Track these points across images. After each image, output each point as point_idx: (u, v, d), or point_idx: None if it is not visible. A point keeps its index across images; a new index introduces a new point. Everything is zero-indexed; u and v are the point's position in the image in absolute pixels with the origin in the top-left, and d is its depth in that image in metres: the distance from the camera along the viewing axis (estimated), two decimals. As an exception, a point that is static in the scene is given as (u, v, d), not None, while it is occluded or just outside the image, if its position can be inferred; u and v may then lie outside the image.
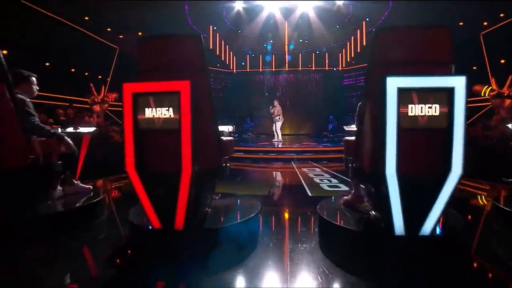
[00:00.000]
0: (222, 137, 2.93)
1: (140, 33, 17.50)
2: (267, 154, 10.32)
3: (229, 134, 4.00)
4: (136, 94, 2.49)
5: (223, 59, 19.63)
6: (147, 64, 2.63)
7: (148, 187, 2.59)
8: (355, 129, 3.68)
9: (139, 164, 2.55)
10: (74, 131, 4.36)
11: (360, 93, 18.99)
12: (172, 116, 2.47)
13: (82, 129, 4.38)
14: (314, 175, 6.97)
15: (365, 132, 2.64)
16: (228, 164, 3.11)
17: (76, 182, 4.25)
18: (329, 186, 5.78)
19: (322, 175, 6.92)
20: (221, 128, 4.08)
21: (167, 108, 2.47)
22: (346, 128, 3.78)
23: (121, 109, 2.36)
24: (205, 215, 2.93)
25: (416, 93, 2.26)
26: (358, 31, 17.88)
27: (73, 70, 14.73)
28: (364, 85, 3.57)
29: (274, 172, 8.36)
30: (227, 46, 19.72)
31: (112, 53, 16.06)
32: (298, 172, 7.34)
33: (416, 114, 2.27)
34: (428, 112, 2.26)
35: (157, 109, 2.49)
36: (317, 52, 20.22)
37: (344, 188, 5.52)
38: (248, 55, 20.91)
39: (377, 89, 2.36)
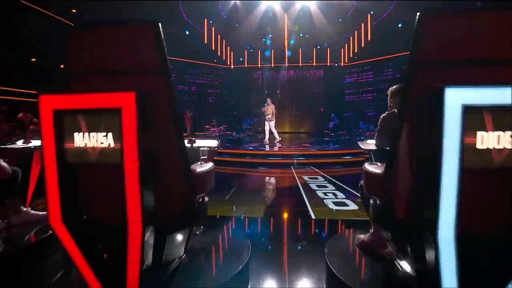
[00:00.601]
0: (197, 167, 2.09)
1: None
2: (265, 159, 9.47)
3: (213, 152, 3.15)
4: (59, 112, 1.64)
5: (219, 54, 18.73)
6: (78, 65, 1.78)
7: (85, 248, 1.75)
8: (373, 147, 2.83)
9: (68, 215, 1.72)
10: (24, 145, 3.51)
11: (369, 94, 18.18)
12: (112, 145, 1.62)
13: (35, 142, 3.53)
14: (317, 186, 6.15)
15: (400, 163, 1.79)
16: (206, 202, 2.27)
17: (25, 209, 3.41)
18: (334, 203, 4.96)
19: (326, 187, 6.10)
20: (203, 143, 3.23)
21: (104, 134, 1.63)
22: (361, 145, 2.91)
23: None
24: (172, 275, 2.10)
25: (491, 114, 1.41)
26: (363, 25, 16.96)
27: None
28: (396, 93, 2.72)
29: (272, 182, 7.52)
30: (223, 41, 18.80)
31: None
32: (298, 182, 6.51)
33: (490, 147, 1.42)
34: (510, 144, 1.42)
35: (91, 134, 1.65)
36: (318, 47, 19.41)
37: (352, 206, 4.70)
38: (246, 50, 20.00)
39: (424, 103, 1.53)
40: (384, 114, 2.61)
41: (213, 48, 17.83)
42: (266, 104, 12.25)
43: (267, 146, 11.47)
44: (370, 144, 2.99)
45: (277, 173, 8.28)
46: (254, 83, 21.24)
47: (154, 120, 1.73)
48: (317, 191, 5.74)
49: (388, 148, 2.63)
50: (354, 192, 5.61)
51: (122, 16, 14.82)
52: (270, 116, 12.12)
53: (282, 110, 20.46)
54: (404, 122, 1.74)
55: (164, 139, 1.83)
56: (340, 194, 5.48)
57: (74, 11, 13.22)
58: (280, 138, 12.51)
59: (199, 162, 2.44)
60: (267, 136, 12.39)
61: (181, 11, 15.77)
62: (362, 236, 2.73)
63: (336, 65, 19.81)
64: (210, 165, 2.32)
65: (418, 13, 1.57)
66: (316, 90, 20.37)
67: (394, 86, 2.74)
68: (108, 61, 1.77)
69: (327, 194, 5.53)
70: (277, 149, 10.49)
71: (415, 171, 1.72)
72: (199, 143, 3.25)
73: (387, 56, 17.78)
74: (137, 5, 13.41)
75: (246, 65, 20.38)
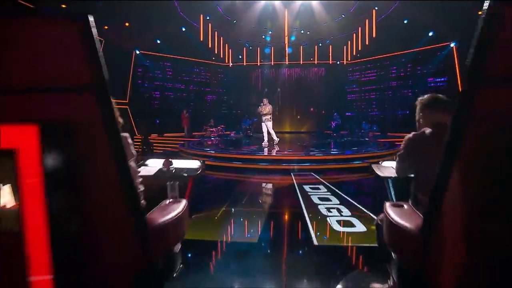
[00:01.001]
0: (159, 215, 1.51)
1: (127, 24, 16.07)
2: (261, 164, 8.90)
3: (196, 174, 2.57)
4: None
5: (216, 51, 18.12)
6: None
7: None
8: (392, 173, 2.24)
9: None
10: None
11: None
12: (7, 205, 1.04)
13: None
14: (319, 199, 5.58)
15: (447, 218, 1.22)
16: (176, 253, 1.70)
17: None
18: (339, 222, 4.38)
19: (329, 200, 5.53)
20: (182, 164, 2.65)
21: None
22: (377, 170, 2.28)
23: None
24: None
25: None
26: (367, 21, 16.31)
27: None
28: (430, 106, 2.09)
29: (269, 192, 6.95)
30: (221, 38, 18.18)
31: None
32: (299, 194, 5.94)
33: None
34: None
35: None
36: (320, 45, 18.69)
37: (359, 228, 4.14)
38: (245, 48, 19.37)
39: (496, 131, 0.95)
40: (410, 135, 2.02)
41: (210, 46, 17.21)
42: (262, 104, 11.59)
43: (265, 150, 10.89)
44: (388, 169, 2.39)
45: (276, 180, 7.71)
46: (253, 82, 20.63)
47: (79, 159, 1.15)
48: (319, 206, 5.17)
49: (412, 175, 2.03)
50: (360, 207, 5.05)
51: (115, 11, 14.23)
52: (268, 116, 11.50)
53: (282, 109, 19.85)
54: (459, 154, 1.16)
55: (99, 186, 1.24)
56: (345, 210, 4.91)
57: (63, 6, 12.58)
58: (278, 139, 11.89)
59: (167, 201, 1.86)
60: (266, 138, 11.77)
61: (176, 7, 15.14)
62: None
63: (338, 63, 19.12)
64: (180, 207, 1.74)
65: (487, 2, 0.98)
66: (317, 89, 19.66)
67: (426, 96, 2.12)
68: (7, 72, 1.18)
69: (331, 210, 4.96)
70: (275, 154, 9.89)
71: (476, 236, 1.14)
72: (177, 163, 2.67)
73: (391, 54, 17.13)
74: (130, 3, 12.82)
75: (245, 63, 19.76)
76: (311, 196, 5.81)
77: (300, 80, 19.94)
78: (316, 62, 19.47)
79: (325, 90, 19.58)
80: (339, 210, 4.96)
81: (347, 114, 18.99)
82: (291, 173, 8.08)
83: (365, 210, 4.86)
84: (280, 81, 19.94)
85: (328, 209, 5.01)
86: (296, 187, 6.64)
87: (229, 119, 20.09)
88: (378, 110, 18.01)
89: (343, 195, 5.91)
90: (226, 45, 18.85)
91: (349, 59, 18.97)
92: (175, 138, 16.15)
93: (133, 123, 17.16)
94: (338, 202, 5.44)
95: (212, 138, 15.95)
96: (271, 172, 8.42)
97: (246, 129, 17.96)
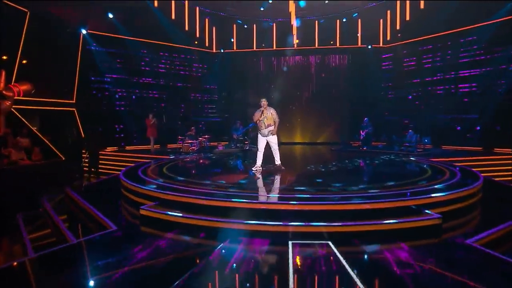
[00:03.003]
0: None
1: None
2: (234, 222, 4.32)
3: None
4: None
5: (198, 35, 13.59)
6: None
7: None
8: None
9: None
10: None
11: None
12: None
13: None
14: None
15: None
16: None
17: None
18: None
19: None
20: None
21: None
22: None
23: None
24: None
25: None
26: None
27: None
28: None
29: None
30: (206, 20, 13.60)
31: (20, 20, 11.19)
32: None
33: None
34: None
35: None
36: (344, 20, 14.32)
37: None
38: (235, 26, 14.69)
39: None
40: None
41: (187, 28, 12.74)
42: (261, 108, 7.31)
43: (256, 183, 6.30)
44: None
45: (259, 256, 3.20)
46: (250, 75, 16.62)
47: None
48: None
49: None
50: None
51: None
52: (271, 129, 7.31)
53: (290, 113, 16.02)
54: None
55: None
56: None
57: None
58: (282, 168, 7.56)
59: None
60: (259, 162, 7.48)
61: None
62: None
63: (370, 47, 15.16)
64: None
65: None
66: (339, 84, 16.08)
67: None
68: None
69: None
70: (267, 194, 5.44)
71: None
72: None
73: (448, 32, 12.68)
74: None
75: (235, 49, 15.28)
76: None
77: (314, 71, 16.30)
78: (337, 45, 15.15)
79: (351, 85, 15.86)
80: None
81: (385, 117, 15.16)
82: (289, 242, 3.47)
83: None
84: (285, 74, 16.23)
85: None
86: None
87: (217, 126, 16.40)
88: (433, 113, 13.08)
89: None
90: (213, 26, 14.23)
91: (383, 42, 14.81)
92: (135, 155, 11.90)
93: (81, 132, 12.79)
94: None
95: (188, 155, 11.46)
96: (257, 234, 3.83)
97: (239, 140, 13.39)
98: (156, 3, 11.45)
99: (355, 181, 6.27)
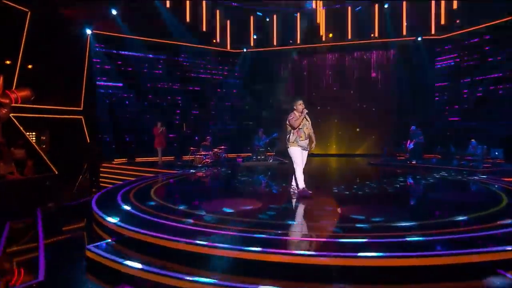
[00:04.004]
0: None
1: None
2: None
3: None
4: None
5: (218, 34, 12.32)
6: None
7: None
8: None
9: None
10: None
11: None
12: None
13: None
14: None
15: None
16: None
17: None
18: None
19: None
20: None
21: None
22: None
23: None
24: None
25: None
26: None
27: None
28: None
29: None
30: (216, 11, 12.21)
31: (20, 20, 10.50)
32: None
33: None
34: None
35: None
36: (386, 6, 12.31)
37: None
38: (252, 18, 13.09)
39: None
40: None
41: (204, 28, 11.51)
42: (299, 112, 5.62)
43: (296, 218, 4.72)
44: None
45: None
46: (274, 76, 15.15)
47: None
48: None
49: None
50: None
51: None
52: (313, 142, 5.74)
53: (323, 120, 14.03)
54: None
55: None
56: None
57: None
58: (307, 192, 5.67)
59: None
60: (302, 181, 5.60)
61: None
62: None
63: (419, 38, 13.12)
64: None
65: None
66: (380, 85, 14.37)
67: None
68: None
69: None
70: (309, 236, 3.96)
71: None
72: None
73: None
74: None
75: (256, 48, 14.04)
76: None
77: (349, 71, 14.69)
78: (376, 38, 13.36)
79: (396, 86, 14.08)
80: None
81: (436, 125, 13.19)
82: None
83: None
84: (316, 75, 14.86)
85: None
86: None
87: (237, 135, 14.95)
88: (506, 119, 10.87)
89: None
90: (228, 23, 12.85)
91: (436, 31, 12.84)
92: (140, 168, 10.85)
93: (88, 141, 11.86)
94: None
95: (201, 169, 10.11)
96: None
97: (261, 151, 11.76)
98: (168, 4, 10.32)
99: (392, 214, 4.43)
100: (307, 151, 5.60)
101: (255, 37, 13.34)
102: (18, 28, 10.45)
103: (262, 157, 11.75)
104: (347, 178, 8.45)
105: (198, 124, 14.15)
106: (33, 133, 11.67)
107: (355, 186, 6.56)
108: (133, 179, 8.62)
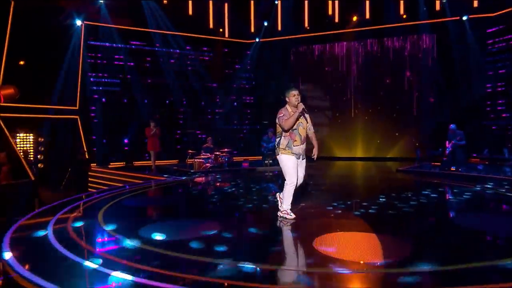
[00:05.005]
0: None
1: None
2: None
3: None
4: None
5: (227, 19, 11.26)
6: None
7: None
8: None
9: None
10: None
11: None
12: None
13: None
14: None
15: None
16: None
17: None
18: None
19: None
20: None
21: None
22: None
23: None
24: None
25: None
26: None
27: None
28: None
29: None
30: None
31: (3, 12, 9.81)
32: None
33: None
34: None
35: None
36: None
37: None
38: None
39: None
40: None
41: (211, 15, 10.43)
42: (287, 105, 4.27)
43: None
44: None
45: None
46: (289, 68, 13.72)
47: None
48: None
49: None
50: None
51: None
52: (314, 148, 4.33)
53: (348, 117, 13.09)
54: None
55: None
56: None
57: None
58: (292, 215, 4.29)
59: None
60: (288, 202, 4.20)
61: None
62: None
63: (465, 18, 11.16)
64: None
65: None
66: (418, 76, 12.42)
67: None
68: None
69: None
70: None
71: None
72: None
73: None
74: None
75: (272, 37, 12.54)
76: None
77: (381, 60, 12.74)
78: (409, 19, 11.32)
79: (435, 77, 12.05)
80: None
81: (484, 123, 11.32)
82: None
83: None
84: (337, 66, 13.23)
85: None
86: None
87: (247, 136, 13.93)
88: None
89: None
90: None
91: (489, 9, 10.90)
92: (127, 173, 9.79)
93: (84, 145, 11.10)
94: None
95: (192, 177, 9.09)
96: None
97: (269, 154, 10.42)
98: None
99: (422, 254, 2.90)
100: (302, 160, 4.11)
101: (265, 24, 11.84)
102: (1, 21, 9.87)
103: (271, 161, 10.28)
104: (359, 191, 6.82)
105: (201, 123, 13.06)
106: (30, 135, 11.24)
107: (364, 204, 4.94)
108: (105, 188, 7.58)
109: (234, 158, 11.35)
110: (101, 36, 11.51)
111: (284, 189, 4.12)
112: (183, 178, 8.57)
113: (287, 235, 3.81)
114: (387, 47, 12.59)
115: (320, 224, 4.05)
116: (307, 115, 4.20)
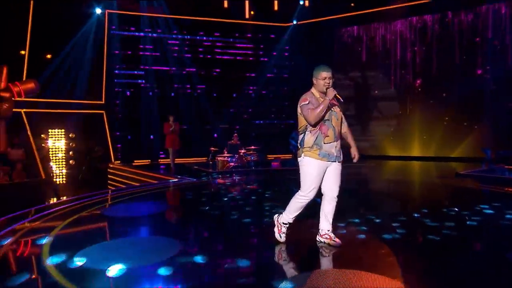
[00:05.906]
0: None
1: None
2: None
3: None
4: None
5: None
6: None
7: None
8: None
9: None
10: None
11: None
12: None
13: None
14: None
15: None
16: None
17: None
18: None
19: None
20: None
21: None
22: None
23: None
24: None
25: None
26: None
27: None
28: None
29: None
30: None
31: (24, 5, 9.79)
32: None
33: None
34: None
35: None
36: None
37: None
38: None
39: None
40: None
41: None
42: (312, 89, 3.02)
43: None
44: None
45: None
46: (334, 54, 12.20)
47: None
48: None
49: None
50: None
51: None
52: (352, 145, 3.07)
53: (403, 110, 11.54)
54: None
55: None
56: None
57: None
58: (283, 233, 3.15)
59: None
60: (292, 216, 3.01)
61: None
62: None
63: None
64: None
65: None
66: (490, 58, 10.26)
67: None
68: None
69: None
70: None
71: None
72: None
73: None
74: None
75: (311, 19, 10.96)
76: None
77: (437, 40, 10.89)
78: None
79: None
80: None
81: None
82: None
83: None
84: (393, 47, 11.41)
85: None
86: None
87: (276, 131, 12.47)
88: None
89: None
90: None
91: None
92: (143, 173, 9.09)
93: (109, 141, 10.81)
94: None
95: (206, 179, 8.42)
96: None
97: (295, 153, 8.91)
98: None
99: None
100: (337, 163, 2.87)
101: (301, 2, 10.39)
102: (22, 14, 9.80)
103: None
104: (390, 202, 5.28)
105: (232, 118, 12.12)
106: (61, 130, 11.11)
107: (394, 224, 3.53)
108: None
109: (268, 156, 10.31)
110: (126, 24, 11.09)
111: (293, 197, 2.92)
112: (194, 180, 7.62)
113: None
114: (455, 23, 10.45)
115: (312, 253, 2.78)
116: (338, 104, 2.97)
